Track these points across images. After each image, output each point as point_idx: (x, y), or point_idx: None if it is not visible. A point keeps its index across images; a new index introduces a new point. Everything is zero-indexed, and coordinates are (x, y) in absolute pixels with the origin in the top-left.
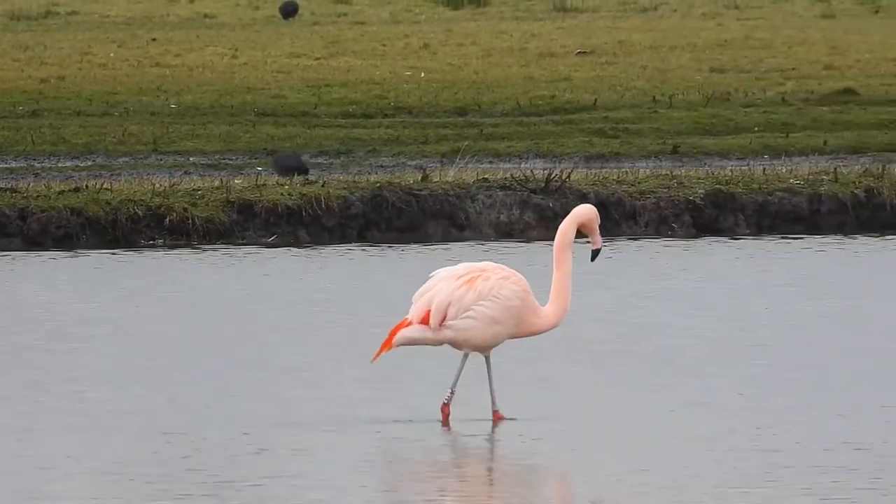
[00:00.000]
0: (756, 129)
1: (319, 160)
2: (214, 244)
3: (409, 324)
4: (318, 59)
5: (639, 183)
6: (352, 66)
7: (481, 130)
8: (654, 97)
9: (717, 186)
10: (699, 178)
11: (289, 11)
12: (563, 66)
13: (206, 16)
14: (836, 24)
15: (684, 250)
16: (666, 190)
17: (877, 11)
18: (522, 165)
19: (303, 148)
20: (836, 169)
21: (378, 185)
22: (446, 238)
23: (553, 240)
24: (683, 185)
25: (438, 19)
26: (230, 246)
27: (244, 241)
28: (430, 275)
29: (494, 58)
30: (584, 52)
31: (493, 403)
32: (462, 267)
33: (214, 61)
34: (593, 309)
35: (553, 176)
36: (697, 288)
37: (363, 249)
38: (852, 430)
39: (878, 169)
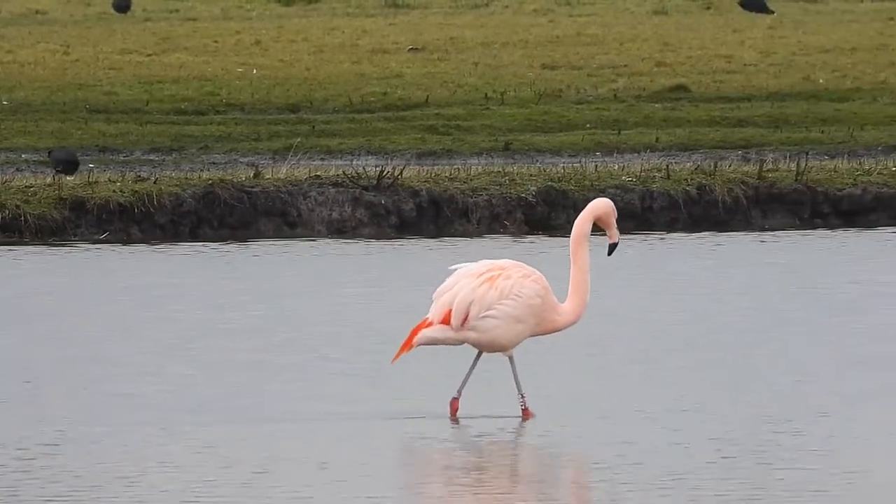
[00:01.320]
0: (588, 125)
1: (151, 157)
2: (46, 241)
3: (430, 324)
4: (149, 55)
5: (471, 180)
6: (184, 62)
7: (313, 127)
8: (485, 94)
9: (550, 183)
10: (531, 176)
11: (122, 6)
12: (394, 63)
13: (37, 12)
14: (668, 21)
15: (515, 247)
16: (498, 187)
17: (708, 8)
18: (354, 162)
19: (135, 145)
20: (668, 166)
21: (210, 182)
22: (279, 235)
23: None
24: (516, 183)
25: (270, 15)
26: (63, 243)
27: (77, 238)
28: (451, 268)
29: (326, 54)
30: (415, 49)
31: (522, 401)
32: (482, 264)
33: (46, 58)
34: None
35: (385, 173)
36: None
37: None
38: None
39: (709, 166)
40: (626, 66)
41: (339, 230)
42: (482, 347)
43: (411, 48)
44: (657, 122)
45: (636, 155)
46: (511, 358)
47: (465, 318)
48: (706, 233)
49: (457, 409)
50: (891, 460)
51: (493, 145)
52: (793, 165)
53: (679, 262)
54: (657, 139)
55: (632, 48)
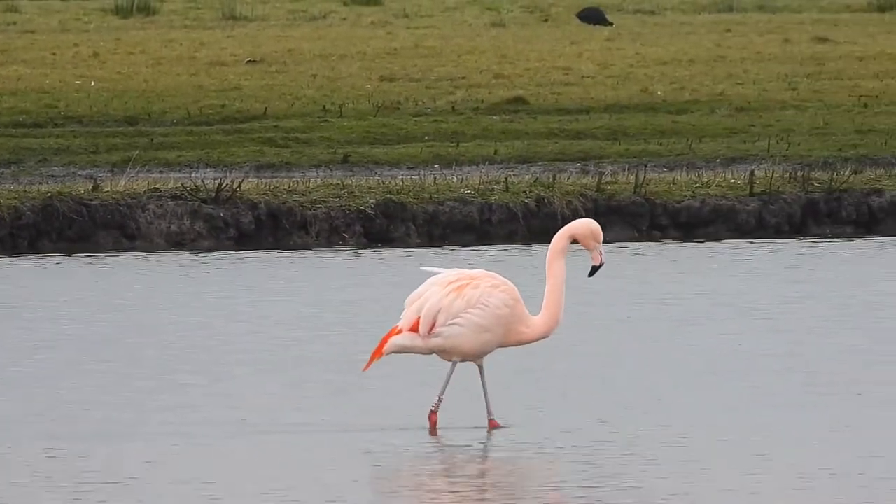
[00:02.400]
0: (426, 138)
1: None
2: None
3: (400, 331)
4: None
5: (309, 192)
6: (21, 74)
7: (152, 140)
8: (324, 106)
9: (388, 196)
10: (370, 188)
11: None
12: (232, 75)
13: None
14: (506, 33)
15: (352, 261)
16: (337, 200)
17: (546, 20)
18: (193, 175)
19: None
20: (506, 178)
21: (49, 194)
22: (118, 248)
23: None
24: (354, 195)
25: (108, 28)
26: None
27: None
28: (423, 269)
29: (164, 67)
30: (253, 61)
31: (489, 412)
32: (452, 273)
33: None
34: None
35: (223, 186)
36: (374, 297)
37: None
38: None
39: (548, 178)
40: (464, 78)
41: (178, 243)
42: (448, 356)
43: (249, 60)
44: (495, 135)
45: (475, 167)
46: (481, 367)
47: (433, 326)
48: (545, 245)
49: (435, 423)
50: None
51: (332, 158)
52: (631, 177)
53: (518, 275)
54: (496, 151)
55: (470, 60)
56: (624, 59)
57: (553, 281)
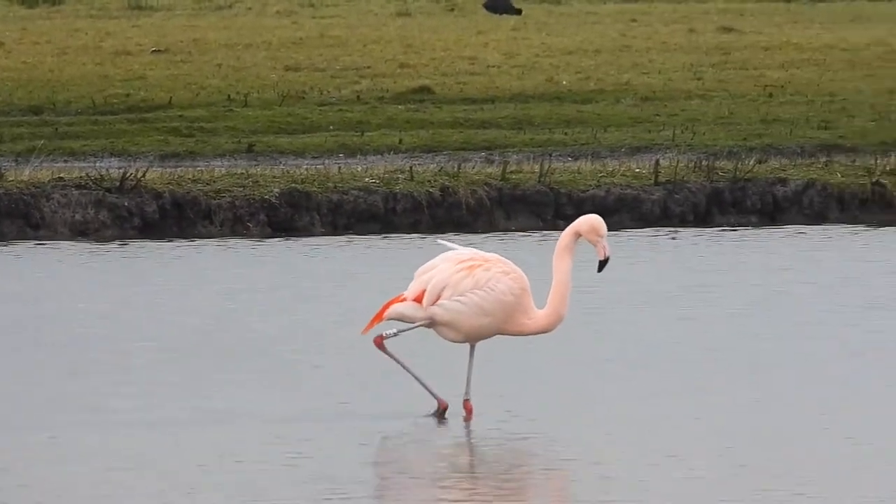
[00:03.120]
0: (331, 127)
1: None
2: None
3: (405, 300)
4: None
5: (214, 182)
6: None
7: (56, 129)
8: (229, 96)
9: (293, 185)
10: (275, 177)
11: None
12: (137, 65)
13: None
14: (412, 23)
15: (256, 249)
16: (241, 189)
17: (452, 10)
18: (98, 164)
19: None
20: (411, 167)
21: None
22: (22, 237)
23: None
24: (259, 184)
25: (13, 17)
26: None
27: None
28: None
29: (69, 56)
30: (158, 51)
31: (467, 392)
32: (467, 252)
33: None
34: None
35: (128, 175)
36: (273, 286)
37: None
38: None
39: (453, 167)
40: (369, 67)
41: (82, 232)
42: (443, 331)
43: (154, 50)
44: (400, 124)
45: (380, 156)
46: (472, 350)
47: (437, 300)
48: (450, 234)
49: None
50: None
51: (237, 147)
52: (536, 167)
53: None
54: (400, 141)
55: (375, 50)
56: (530, 49)
57: (557, 276)
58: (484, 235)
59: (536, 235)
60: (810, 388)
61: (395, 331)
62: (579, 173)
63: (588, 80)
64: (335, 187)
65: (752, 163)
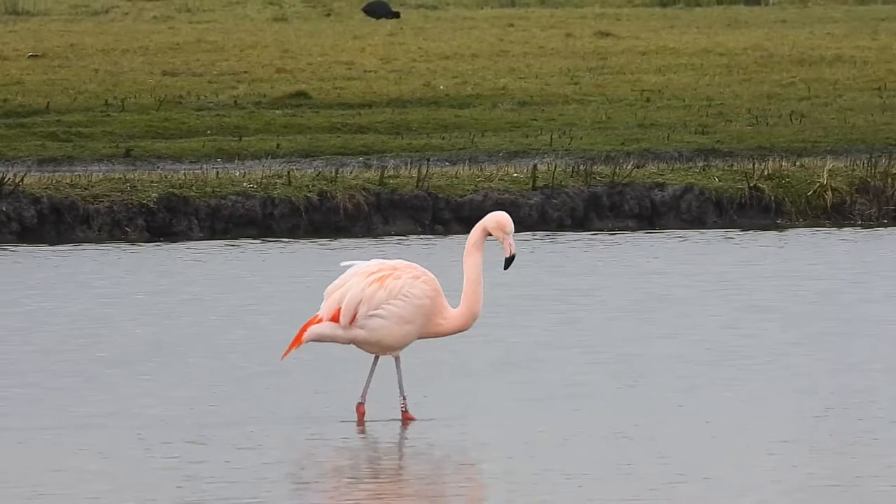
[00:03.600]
0: (209, 132)
1: None
2: None
3: (320, 320)
4: None
5: (92, 187)
6: None
7: None
8: (106, 100)
9: (171, 190)
10: (153, 182)
11: None
12: (15, 70)
13: None
14: (288, 28)
15: (136, 254)
16: (119, 194)
17: (328, 14)
18: None
19: None
20: (289, 172)
21: None
22: None
23: None
24: (137, 189)
25: None
26: None
27: None
28: (343, 265)
29: None
30: (35, 56)
31: (404, 404)
32: (374, 263)
33: None
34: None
35: (6, 180)
36: (153, 291)
37: None
38: None
39: (331, 172)
40: (246, 72)
41: None
42: (369, 347)
43: (31, 55)
44: (278, 129)
45: (257, 161)
46: (397, 359)
47: (354, 317)
48: (328, 239)
49: (363, 414)
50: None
51: (114, 152)
52: (414, 172)
53: (298, 268)
54: (278, 146)
55: (252, 55)
56: (406, 54)
57: (468, 274)
58: (362, 240)
59: (414, 241)
60: (687, 392)
61: (362, 393)
62: (457, 178)
63: (465, 84)
64: (213, 192)
65: (629, 167)
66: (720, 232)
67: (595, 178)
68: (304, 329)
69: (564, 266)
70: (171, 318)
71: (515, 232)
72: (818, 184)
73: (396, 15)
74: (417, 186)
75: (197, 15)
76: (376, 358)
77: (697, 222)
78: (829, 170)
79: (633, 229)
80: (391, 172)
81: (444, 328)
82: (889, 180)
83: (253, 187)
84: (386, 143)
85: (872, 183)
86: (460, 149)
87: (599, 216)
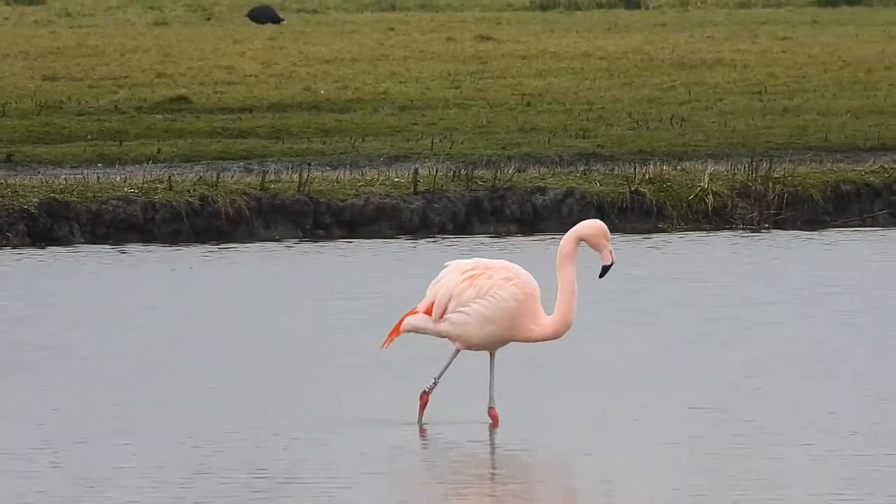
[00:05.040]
0: (90, 137)
1: None
2: None
3: (417, 312)
4: None
5: None
6: None
7: None
8: None
9: (52, 195)
10: (34, 187)
11: None
12: None
13: None
14: (169, 32)
15: (17, 261)
16: (0, 199)
17: (209, 19)
18: None
19: None
20: (170, 177)
21: None
22: None
23: None
24: (18, 194)
25: None
26: None
27: None
28: (445, 264)
29: None
30: None
31: (491, 400)
32: (470, 262)
33: None
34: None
35: None
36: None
37: None
38: None
39: (212, 177)
40: (127, 77)
41: None
42: (455, 342)
43: None
44: (159, 134)
45: (138, 166)
46: (492, 355)
47: (444, 312)
48: (210, 244)
49: (426, 404)
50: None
51: None
52: (295, 176)
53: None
54: (159, 150)
55: (133, 59)
56: (287, 58)
57: (563, 283)
58: (243, 245)
59: (296, 246)
60: (567, 392)
61: (433, 382)
62: (338, 182)
63: (346, 89)
64: (94, 197)
65: (511, 172)
66: None
67: (476, 183)
68: (402, 319)
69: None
70: (54, 322)
71: (396, 237)
72: (699, 188)
73: (282, 20)
74: (299, 191)
75: (77, 19)
76: (455, 354)
77: None
78: (710, 174)
79: (514, 234)
80: (272, 177)
81: (536, 334)
82: (770, 184)
83: (134, 192)
84: (267, 148)
85: (753, 187)
86: (341, 153)
87: (481, 220)
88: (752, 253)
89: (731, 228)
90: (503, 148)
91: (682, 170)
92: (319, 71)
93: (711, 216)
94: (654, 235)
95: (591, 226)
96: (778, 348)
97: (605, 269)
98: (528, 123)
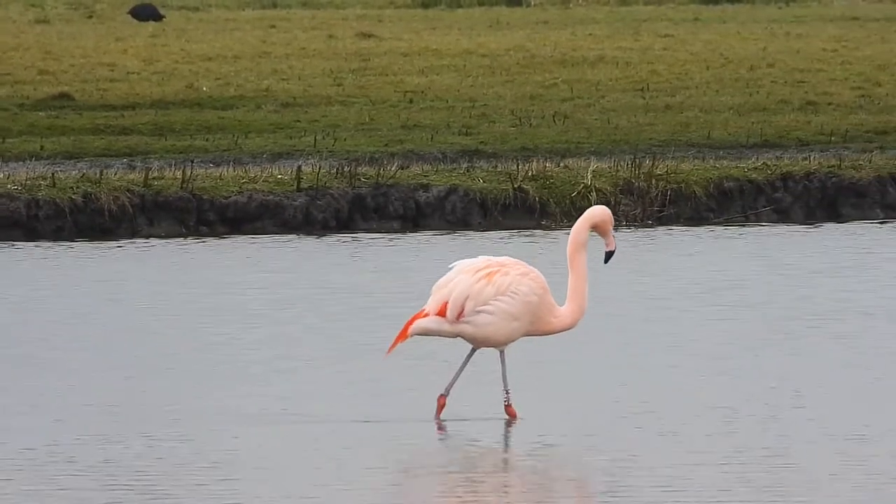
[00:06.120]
0: None
1: None
2: None
3: (427, 315)
4: None
5: None
6: None
7: None
8: None
9: None
10: None
11: None
12: None
13: None
14: (51, 30)
15: None
16: None
17: (90, 17)
18: None
19: None
20: (53, 174)
21: None
22: None
23: None
24: None
25: None
26: None
27: None
28: (450, 266)
29: None
30: None
31: (507, 398)
32: (481, 260)
33: None
34: None
35: None
36: None
37: None
38: None
39: (95, 174)
40: (9, 74)
41: None
42: (476, 342)
43: None
44: (42, 131)
45: (21, 163)
46: (502, 353)
47: (461, 313)
48: (94, 241)
49: (443, 407)
50: None
51: None
52: (178, 173)
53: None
54: (42, 147)
55: (14, 57)
56: (169, 56)
57: (578, 271)
58: (126, 241)
59: (179, 242)
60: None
61: (449, 384)
62: (221, 179)
63: (228, 86)
64: None
65: (394, 169)
66: (485, 233)
67: (359, 180)
68: (409, 323)
69: (327, 267)
70: None
71: (280, 233)
72: (582, 185)
73: (163, 17)
74: (182, 188)
75: None
76: (471, 354)
77: (462, 223)
78: (593, 171)
79: (397, 230)
80: (156, 174)
81: (555, 325)
82: (653, 181)
83: (17, 189)
84: (150, 145)
85: (636, 184)
86: (224, 150)
87: (364, 217)
88: (637, 249)
89: (614, 225)
90: (386, 145)
91: (565, 167)
92: (202, 68)
93: None
94: (537, 232)
95: (603, 212)
96: (664, 342)
97: (609, 255)
98: (411, 120)
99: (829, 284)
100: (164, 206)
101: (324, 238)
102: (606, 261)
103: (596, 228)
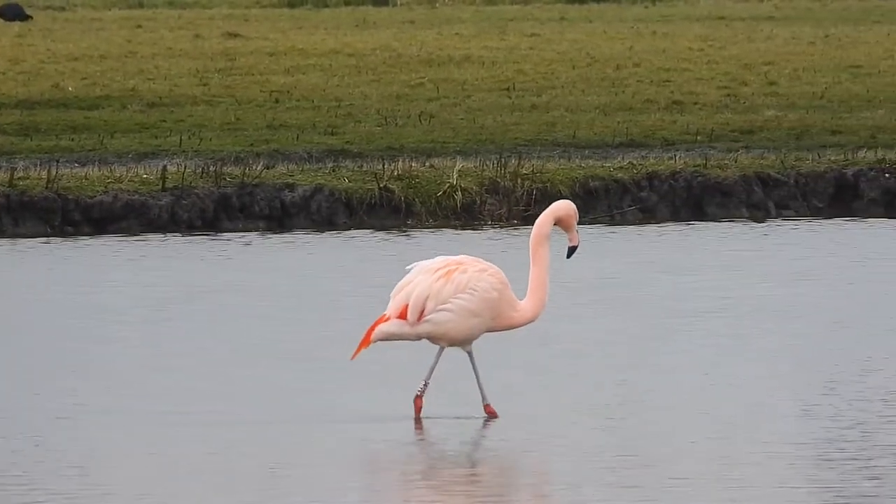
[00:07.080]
0: None
1: None
2: None
3: (387, 319)
4: None
5: None
6: None
7: None
8: None
9: None
10: None
11: None
12: None
13: None
14: None
15: None
16: None
17: None
18: None
19: None
20: None
21: None
22: None
23: None
24: None
25: None
26: None
27: None
28: (407, 268)
29: None
30: None
31: (483, 398)
32: (439, 260)
33: None
34: None
35: None
36: None
37: None
38: None
39: None
40: None
41: None
42: (438, 341)
43: None
44: None
45: None
46: (470, 353)
47: (422, 313)
48: None
49: (420, 408)
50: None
51: None
52: (44, 173)
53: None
54: None
55: None
56: (35, 55)
57: (541, 264)
58: None
59: (43, 243)
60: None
61: (423, 384)
62: (87, 179)
63: (94, 86)
64: None
65: (259, 168)
66: (351, 233)
67: (225, 179)
68: (371, 328)
69: (194, 267)
70: None
71: (146, 233)
72: (448, 184)
73: (30, 17)
74: (47, 188)
75: None
76: (440, 352)
77: (327, 223)
78: (459, 170)
79: (263, 230)
80: (21, 174)
81: (517, 320)
82: (518, 181)
83: None
84: (15, 145)
85: (502, 183)
86: (90, 150)
87: (230, 217)
88: (503, 248)
89: (479, 225)
90: (252, 145)
91: (431, 166)
92: (67, 68)
93: (460, 212)
94: (402, 231)
95: (568, 206)
96: (534, 340)
97: (571, 250)
98: (277, 120)
99: (695, 283)
100: (29, 206)
101: (190, 238)
102: (569, 255)
103: (560, 223)
